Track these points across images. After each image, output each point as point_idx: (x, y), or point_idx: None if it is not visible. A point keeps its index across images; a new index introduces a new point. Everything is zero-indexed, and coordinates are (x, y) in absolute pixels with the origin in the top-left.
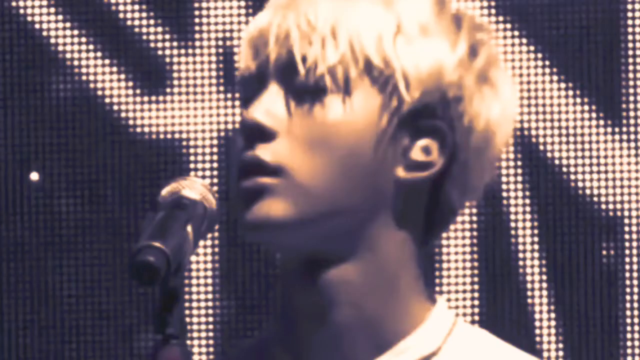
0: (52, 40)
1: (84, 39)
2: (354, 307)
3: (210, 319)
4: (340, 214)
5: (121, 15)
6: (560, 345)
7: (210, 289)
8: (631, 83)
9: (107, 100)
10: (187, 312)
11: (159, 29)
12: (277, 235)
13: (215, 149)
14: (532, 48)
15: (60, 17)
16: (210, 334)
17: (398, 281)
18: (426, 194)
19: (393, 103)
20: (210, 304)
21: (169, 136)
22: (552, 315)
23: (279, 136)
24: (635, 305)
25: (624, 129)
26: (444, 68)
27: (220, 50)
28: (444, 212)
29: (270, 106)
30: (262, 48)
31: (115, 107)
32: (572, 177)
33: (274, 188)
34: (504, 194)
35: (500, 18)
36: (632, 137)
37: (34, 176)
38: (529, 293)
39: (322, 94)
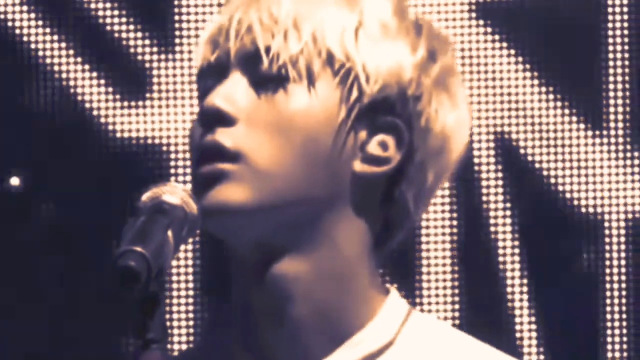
0: (32, 46)
1: (64, 45)
2: (309, 301)
3: (191, 323)
4: (297, 202)
5: (101, 21)
6: (542, 349)
7: (191, 293)
8: (611, 87)
9: (87, 105)
10: (167, 316)
11: (139, 34)
12: (234, 222)
13: None
14: (512, 52)
15: (40, 22)
16: (191, 338)
17: (352, 275)
18: (382, 190)
19: (353, 94)
20: (190, 308)
21: (149, 142)
22: (533, 318)
23: (238, 122)
24: (616, 308)
25: (604, 132)
26: (404, 67)
27: None
28: (399, 212)
29: (231, 93)
30: (222, 41)
31: (95, 113)
32: (553, 180)
33: (233, 173)
34: (485, 198)
35: (481, 22)
36: (612, 140)
37: (14, 181)
38: (510, 297)
39: (284, 82)
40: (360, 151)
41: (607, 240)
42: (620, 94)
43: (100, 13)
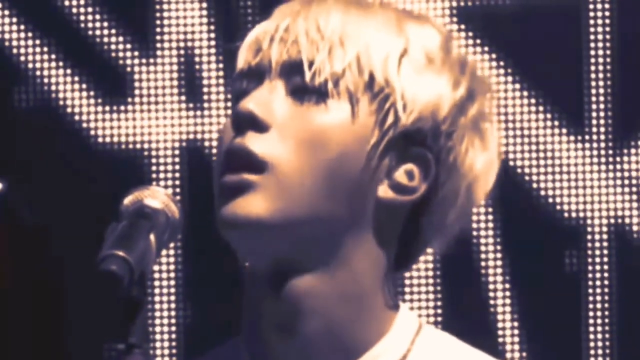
0: (14, 51)
1: (45, 49)
2: (323, 318)
3: (173, 328)
4: (319, 219)
5: (82, 26)
6: (524, 354)
7: (173, 297)
8: (593, 92)
9: (69, 110)
10: (149, 320)
11: (120, 38)
12: (254, 235)
13: (177, 159)
14: (493, 56)
15: (21, 27)
16: (174, 343)
17: (367, 296)
18: (403, 220)
19: (388, 121)
20: (173, 312)
21: (130, 146)
22: (515, 323)
23: (270, 129)
24: (599, 313)
25: (587, 137)
26: (442, 102)
27: (182, 60)
28: (417, 243)
29: (266, 100)
30: (265, 47)
31: (77, 117)
32: (536, 185)
33: (258, 185)
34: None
35: (462, 26)
36: (595, 145)
37: None
38: (492, 301)
39: (322, 98)
40: (387, 177)
41: (589, 244)
42: (602, 99)
43: (82, 17)
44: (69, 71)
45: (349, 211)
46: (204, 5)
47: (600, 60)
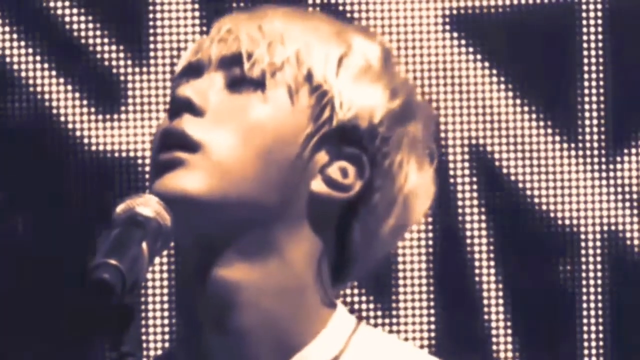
0: (7, 60)
1: (38, 57)
2: (255, 312)
3: (166, 337)
4: (248, 203)
5: (76, 34)
6: None
7: (166, 306)
8: (587, 99)
9: (62, 118)
10: (142, 329)
11: (114, 47)
12: (182, 209)
13: None
14: (487, 64)
15: (14, 35)
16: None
17: (301, 290)
18: (337, 218)
19: (324, 115)
20: (166, 321)
21: (123, 154)
22: (509, 331)
23: (205, 115)
24: (592, 321)
25: (580, 144)
26: (379, 106)
27: (175, 68)
28: (351, 245)
29: (203, 88)
30: (205, 47)
31: (70, 125)
32: (528, 193)
33: (189, 161)
34: (460, 210)
35: (455, 34)
36: (588, 152)
37: None
38: (485, 309)
39: (259, 88)
40: (320, 172)
41: (582, 251)
42: (595, 106)
43: (75, 25)
44: (62, 79)
45: (280, 199)
46: (197, 13)
47: (594, 67)
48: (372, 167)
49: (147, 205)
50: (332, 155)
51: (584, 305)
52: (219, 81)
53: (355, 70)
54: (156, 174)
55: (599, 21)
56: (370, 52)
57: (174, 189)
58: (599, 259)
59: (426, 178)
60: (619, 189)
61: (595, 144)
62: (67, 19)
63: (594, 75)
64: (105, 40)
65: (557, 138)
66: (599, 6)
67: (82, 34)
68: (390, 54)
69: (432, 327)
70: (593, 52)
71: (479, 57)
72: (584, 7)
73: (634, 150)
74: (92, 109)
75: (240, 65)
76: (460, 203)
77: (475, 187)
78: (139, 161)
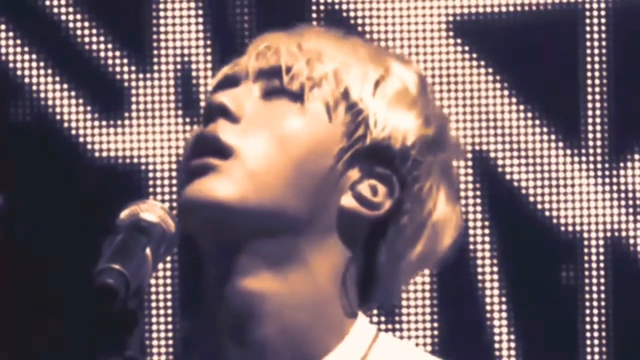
0: (10, 65)
1: (42, 64)
2: (277, 320)
3: (170, 342)
4: (278, 213)
5: (79, 40)
6: None
7: (169, 311)
8: (590, 105)
9: (66, 124)
10: (146, 334)
11: (117, 53)
12: (212, 215)
13: (173, 173)
14: (489, 69)
15: (18, 41)
16: (170, 357)
17: (325, 302)
18: (364, 235)
19: (358, 132)
20: (169, 326)
21: (127, 160)
22: (512, 337)
23: (240, 122)
24: (595, 326)
25: (583, 150)
26: (412, 130)
27: (179, 75)
28: (374, 271)
29: (239, 96)
30: (243, 61)
31: (74, 132)
32: (531, 198)
33: (221, 167)
34: (463, 215)
35: (458, 40)
36: (591, 158)
37: None
38: (488, 314)
39: (296, 100)
40: (351, 188)
41: (586, 257)
42: (598, 112)
43: (79, 32)
44: (65, 86)
45: (309, 211)
46: (201, 20)
47: (597, 73)
48: (402, 189)
49: (151, 211)
50: (364, 173)
51: (587, 310)
52: (256, 91)
53: (392, 93)
54: (187, 180)
55: (602, 27)
56: (407, 77)
57: (205, 195)
58: (602, 264)
59: (454, 209)
60: (622, 195)
61: (599, 150)
62: (71, 24)
63: (597, 81)
64: (110, 46)
65: (561, 144)
66: (602, 12)
67: (87, 40)
68: (426, 82)
69: (435, 332)
70: (596, 58)
71: (482, 62)
72: (587, 13)
73: (637, 156)
74: (97, 115)
75: (278, 77)
76: (463, 209)
77: (478, 192)
78: (143, 167)
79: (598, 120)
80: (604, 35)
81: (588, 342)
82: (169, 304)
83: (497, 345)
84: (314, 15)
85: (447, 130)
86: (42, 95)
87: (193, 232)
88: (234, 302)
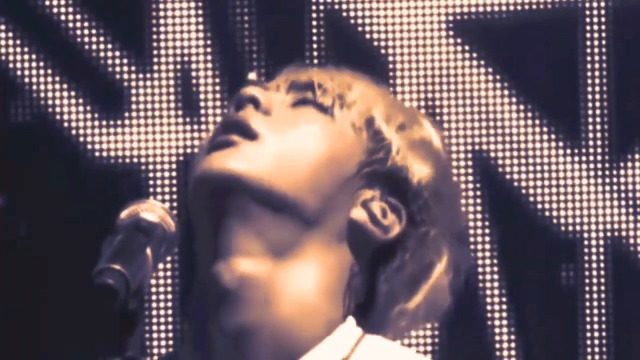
0: (11, 65)
1: (42, 64)
2: (264, 306)
3: (170, 342)
4: (290, 203)
5: (79, 40)
6: None
7: (169, 311)
8: (590, 105)
9: (66, 124)
10: (146, 334)
11: (117, 53)
12: (222, 185)
13: (174, 173)
14: (490, 69)
15: (18, 41)
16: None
17: (317, 300)
18: (368, 254)
19: (380, 154)
20: (170, 326)
21: (127, 160)
22: (512, 337)
23: (269, 114)
24: (595, 326)
25: (583, 150)
26: (429, 178)
27: (178, 75)
28: (374, 295)
29: (270, 95)
30: (277, 78)
31: (74, 131)
32: (532, 198)
33: (243, 145)
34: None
35: (458, 39)
36: (592, 158)
37: None
38: (489, 314)
39: (324, 110)
40: (363, 205)
41: (586, 258)
42: (598, 112)
43: (79, 32)
44: (65, 85)
45: (319, 210)
46: (200, 20)
47: (597, 73)
48: (408, 224)
49: (152, 211)
50: (377, 195)
51: (587, 310)
52: (286, 99)
53: (417, 138)
54: (206, 153)
55: (602, 27)
56: (434, 134)
57: (219, 165)
58: (602, 264)
59: (449, 275)
60: (622, 195)
61: (599, 150)
62: (71, 25)
63: (597, 81)
64: (109, 46)
65: (561, 144)
66: (602, 12)
67: (87, 40)
68: (449, 151)
69: (435, 332)
70: (596, 58)
71: (482, 62)
72: (587, 12)
73: (637, 156)
74: (96, 115)
75: (310, 90)
76: (463, 209)
77: (478, 192)
78: (143, 167)
79: (598, 120)
80: (604, 35)
81: (588, 341)
82: (169, 304)
83: (497, 345)
84: (314, 15)
85: (458, 201)
86: (42, 95)
87: (200, 207)
88: (225, 281)
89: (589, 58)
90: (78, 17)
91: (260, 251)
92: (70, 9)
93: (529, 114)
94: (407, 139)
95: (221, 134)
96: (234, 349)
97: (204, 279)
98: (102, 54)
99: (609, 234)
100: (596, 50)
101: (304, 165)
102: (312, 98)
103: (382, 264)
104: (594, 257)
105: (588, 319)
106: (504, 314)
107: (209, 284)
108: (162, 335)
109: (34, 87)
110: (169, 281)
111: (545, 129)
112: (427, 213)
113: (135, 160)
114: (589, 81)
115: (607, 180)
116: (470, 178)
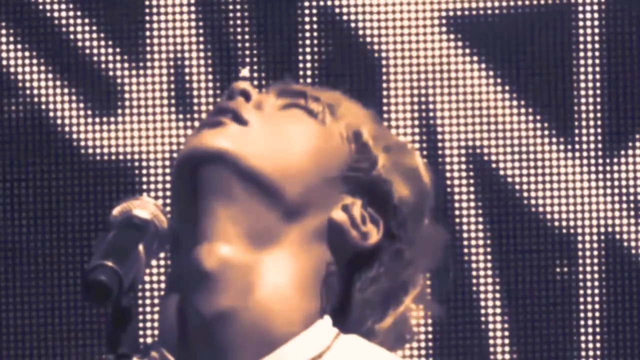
0: (4, 62)
1: (35, 60)
2: (240, 292)
3: None
4: (273, 189)
5: (72, 37)
6: None
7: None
8: (583, 100)
9: (59, 121)
10: (139, 331)
11: (111, 50)
12: (210, 160)
13: (167, 170)
14: (483, 65)
15: (11, 38)
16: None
17: (291, 292)
18: (345, 258)
19: (365, 164)
20: None
21: (121, 157)
22: (507, 332)
23: (260, 109)
24: (590, 322)
25: (577, 146)
26: (410, 200)
27: (172, 71)
28: (349, 299)
29: (260, 94)
30: (267, 89)
31: (67, 128)
32: (525, 194)
33: (232, 127)
34: (457, 212)
35: (451, 35)
36: (585, 154)
37: None
38: (483, 310)
39: (312, 115)
40: (343, 209)
41: (580, 253)
42: (592, 107)
43: (72, 29)
44: (59, 82)
45: (302, 205)
46: (194, 17)
47: (590, 69)
48: (385, 235)
49: (144, 208)
50: (358, 203)
51: (582, 306)
52: (276, 103)
53: (404, 162)
54: (196, 133)
55: (595, 22)
56: (422, 166)
57: (207, 143)
58: (596, 260)
59: (418, 309)
60: (616, 191)
61: (592, 146)
62: (64, 22)
63: (590, 77)
64: (103, 43)
65: (554, 140)
66: (595, 7)
67: (79, 37)
68: (432, 185)
69: (429, 328)
70: (589, 54)
71: (475, 58)
72: (580, 7)
73: (630, 152)
74: (90, 112)
75: (302, 97)
76: (457, 205)
77: (472, 189)
78: (136, 164)
79: (592, 115)
80: (597, 30)
81: (583, 337)
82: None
83: (491, 341)
84: (307, 11)
85: (436, 240)
86: (36, 91)
87: (184, 184)
88: (205, 264)
89: (582, 54)
90: (71, 13)
91: (240, 238)
92: (64, 6)
93: (523, 110)
94: (394, 160)
95: (212, 117)
96: (210, 336)
97: (182, 265)
98: (95, 51)
99: (602, 229)
100: (589, 45)
101: (290, 154)
102: (303, 103)
103: (357, 272)
104: (587, 253)
105: (583, 314)
106: (498, 310)
107: (188, 266)
108: (156, 332)
109: (27, 84)
110: (161, 277)
111: (539, 125)
112: (404, 231)
113: (128, 157)
114: (583, 77)
115: (601, 175)
116: (464, 174)
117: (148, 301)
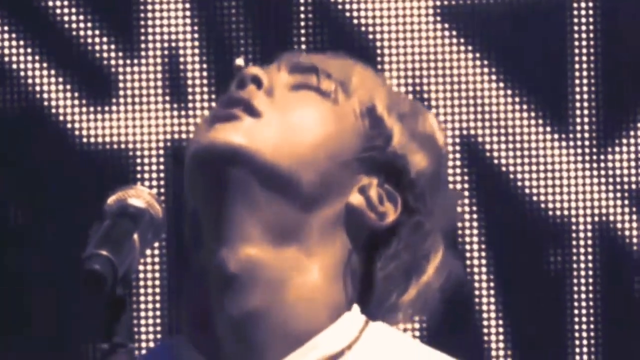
0: None
1: (29, 50)
2: (266, 290)
3: (158, 328)
4: (290, 181)
5: (66, 26)
6: (509, 352)
7: (157, 297)
8: (577, 90)
9: (53, 110)
10: (134, 320)
11: (105, 39)
12: (226, 158)
13: (161, 159)
14: (477, 55)
15: (5, 27)
16: (158, 342)
17: (317, 285)
18: (365, 239)
19: (379, 141)
20: (157, 312)
21: (115, 146)
22: (501, 322)
23: (271, 95)
24: (584, 311)
25: (571, 135)
26: (427, 170)
27: (166, 61)
28: (372, 280)
29: (272, 75)
30: (278, 61)
31: (61, 118)
32: (519, 183)
33: (246, 120)
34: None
35: (446, 25)
36: (579, 143)
37: None
38: (477, 299)
39: (327, 98)
40: (360, 191)
41: (574, 242)
42: (586, 97)
43: (66, 18)
44: (52, 72)
45: (317, 190)
46: (188, 6)
47: (585, 59)
48: (403, 211)
49: (139, 197)
50: (374, 182)
51: (575, 295)
52: (288, 80)
53: (420, 131)
54: (208, 125)
55: (590, 11)
56: (439, 130)
57: (223, 139)
58: (590, 249)
59: (441, 276)
60: (610, 180)
61: (587, 135)
62: (57, 11)
63: (584, 66)
64: (96, 32)
65: (549, 129)
66: None
67: (73, 26)
68: (446, 141)
69: (423, 318)
70: (584, 43)
71: (470, 49)
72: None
73: (625, 141)
74: (84, 102)
75: (314, 75)
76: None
77: (466, 178)
78: (130, 153)
79: (586, 105)
80: (591, 20)
81: (577, 326)
82: (157, 290)
83: (485, 330)
84: (302, 1)
85: (453, 200)
86: (30, 81)
87: (200, 183)
88: (230, 267)
89: (577, 43)
90: (65, 3)
91: (262, 237)
92: None
93: (517, 100)
94: (409, 129)
95: (224, 108)
96: (241, 335)
97: (205, 264)
98: (89, 40)
99: (597, 218)
100: (584, 35)
101: (305, 143)
102: (314, 83)
103: (377, 251)
104: (581, 242)
105: (576, 303)
106: (492, 299)
107: (212, 270)
108: (150, 321)
109: (21, 74)
110: (156, 267)
111: (533, 114)
112: (423, 203)
113: (122, 146)
114: (577, 66)
115: (595, 165)
116: (458, 163)
117: (142, 290)
